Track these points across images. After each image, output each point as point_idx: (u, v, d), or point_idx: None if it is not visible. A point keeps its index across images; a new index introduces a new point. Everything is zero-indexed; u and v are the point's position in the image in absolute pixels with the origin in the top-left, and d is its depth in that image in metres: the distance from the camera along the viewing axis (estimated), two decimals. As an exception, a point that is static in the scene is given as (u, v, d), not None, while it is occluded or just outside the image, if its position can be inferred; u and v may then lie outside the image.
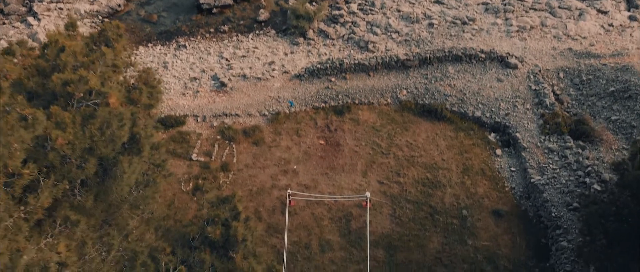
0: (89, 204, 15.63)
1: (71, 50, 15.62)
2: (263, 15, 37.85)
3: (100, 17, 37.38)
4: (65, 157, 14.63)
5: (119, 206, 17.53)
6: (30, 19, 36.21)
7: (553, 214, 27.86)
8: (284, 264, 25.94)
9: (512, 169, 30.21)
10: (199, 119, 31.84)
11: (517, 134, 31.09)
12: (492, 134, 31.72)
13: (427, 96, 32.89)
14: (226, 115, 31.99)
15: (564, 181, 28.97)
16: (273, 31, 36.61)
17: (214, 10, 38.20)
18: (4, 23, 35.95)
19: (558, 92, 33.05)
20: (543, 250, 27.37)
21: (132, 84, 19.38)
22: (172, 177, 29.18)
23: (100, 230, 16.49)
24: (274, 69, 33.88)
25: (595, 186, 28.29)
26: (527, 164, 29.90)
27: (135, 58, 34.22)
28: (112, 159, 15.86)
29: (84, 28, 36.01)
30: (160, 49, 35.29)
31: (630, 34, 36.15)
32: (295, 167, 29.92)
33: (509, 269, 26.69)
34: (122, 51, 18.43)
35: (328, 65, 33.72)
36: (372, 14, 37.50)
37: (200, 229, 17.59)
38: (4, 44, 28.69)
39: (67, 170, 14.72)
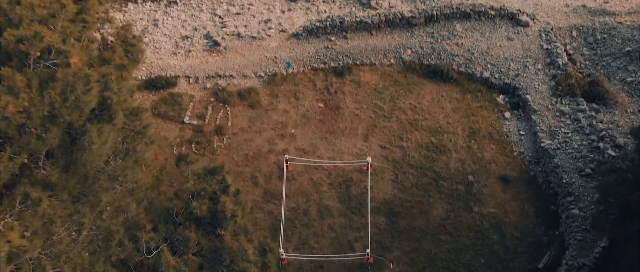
0: (54, 178, 13.48)
1: (28, 3, 13.20)
2: (260, -30, 34.84)
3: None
4: (24, 127, 12.40)
5: (97, 178, 15.38)
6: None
7: (564, 181, 25.81)
8: (281, 231, 24.22)
9: (521, 132, 28.05)
10: (191, 80, 29.51)
11: (527, 96, 28.73)
12: (501, 96, 29.38)
13: (432, 56, 30.38)
14: (220, 76, 29.66)
15: (576, 146, 26.79)
16: (270, -13, 33.73)
17: (208, -36, 35.21)
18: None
19: (571, 51, 30.51)
20: (552, 218, 25.38)
21: (110, 41, 16.95)
22: (164, 141, 27.31)
23: (74, 206, 14.39)
24: (270, 28, 31.22)
25: (610, 151, 26.10)
26: (538, 127, 27.68)
27: (123, 15, 31.66)
28: (81, 128, 13.61)
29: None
30: (150, 6, 32.52)
31: (648, -10, 33.30)
32: (293, 131, 27.83)
33: (516, 237, 24.88)
34: (95, 5, 15.93)
35: (328, 24, 31.03)
36: (375, -31, 34.46)
37: (185, 204, 15.43)
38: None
39: (26, 141, 12.51)
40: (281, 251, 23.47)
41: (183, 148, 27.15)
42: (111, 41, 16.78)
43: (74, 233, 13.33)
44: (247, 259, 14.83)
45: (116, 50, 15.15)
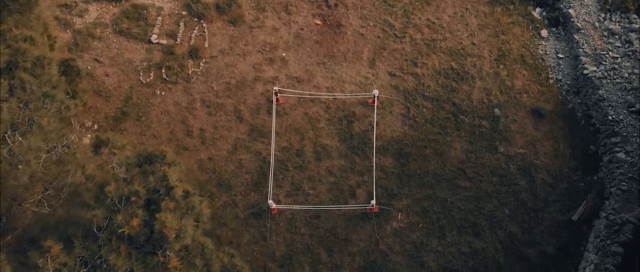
0: None
1: None
2: None
3: None
4: None
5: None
6: None
7: (609, 117, 20.47)
8: (271, 175, 19.87)
9: (560, 55, 22.21)
10: (157, -11, 22.92)
11: (570, 10, 22.45)
12: (537, 10, 23.16)
13: (457, -42, 23.58)
14: (192, -16, 23.08)
15: (626, 75, 21.12)
16: None
17: None
18: None
19: (625, -48, 23.67)
20: (591, 160, 20.68)
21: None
22: (128, 65, 21.47)
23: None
24: None
25: (668, 82, 20.42)
26: (580, 50, 21.80)
27: None
28: None
29: None
30: None
31: None
32: (284, 54, 21.97)
33: (548, 182, 20.27)
34: None
35: None
36: None
37: (109, 213, 9.60)
38: None
39: None
40: (270, 201, 18.96)
41: (151, 74, 21.23)
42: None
43: None
44: (203, 297, 9.43)
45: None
